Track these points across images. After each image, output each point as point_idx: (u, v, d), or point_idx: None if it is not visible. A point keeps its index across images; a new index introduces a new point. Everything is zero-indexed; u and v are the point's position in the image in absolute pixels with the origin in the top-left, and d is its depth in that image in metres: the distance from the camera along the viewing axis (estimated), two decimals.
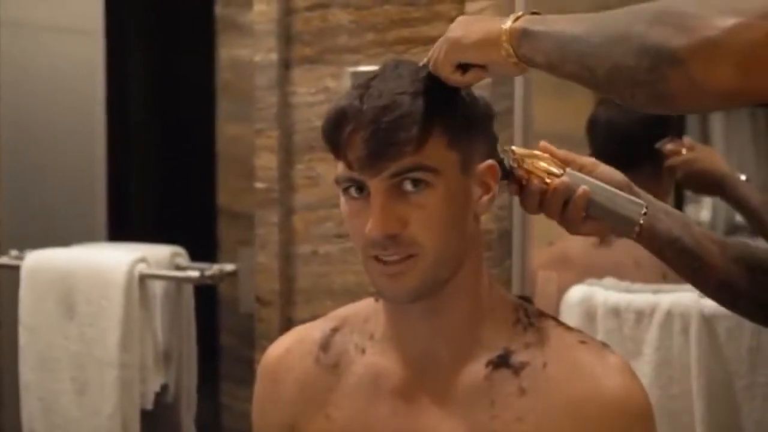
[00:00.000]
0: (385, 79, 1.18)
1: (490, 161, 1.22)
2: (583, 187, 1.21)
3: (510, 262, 2.05)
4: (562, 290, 2.07)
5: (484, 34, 1.15)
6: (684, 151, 2.06)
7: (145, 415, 2.30)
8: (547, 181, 1.23)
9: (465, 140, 1.19)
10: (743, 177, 1.97)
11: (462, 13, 2.04)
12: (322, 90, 2.20)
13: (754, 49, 0.90)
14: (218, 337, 2.52)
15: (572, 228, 1.23)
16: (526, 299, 1.40)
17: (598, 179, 1.24)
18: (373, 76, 1.20)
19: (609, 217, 1.22)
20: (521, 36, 1.12)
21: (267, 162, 2.22)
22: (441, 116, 1.17)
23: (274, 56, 2.22)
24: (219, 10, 2.57)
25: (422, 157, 1.15)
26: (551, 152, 1.27)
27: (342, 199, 1.21)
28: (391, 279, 1.18)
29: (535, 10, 1.15)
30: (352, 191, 1.18)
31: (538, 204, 1.24)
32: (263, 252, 2.22)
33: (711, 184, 1.99)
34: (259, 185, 2.23)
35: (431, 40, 1.86)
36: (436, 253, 1.17)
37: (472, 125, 1.22)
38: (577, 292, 2.02)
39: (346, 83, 2.15)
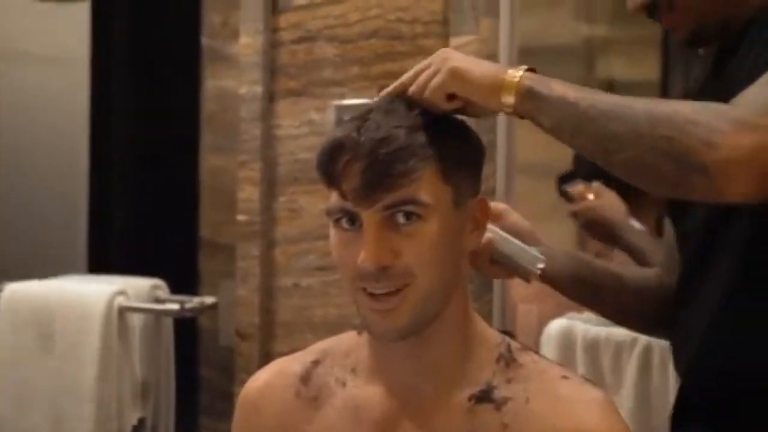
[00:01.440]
0: (383, 112, 1.18)
1: (481, 198, 1.24)
2: (488, 236, 1.34)
3: (491, 296, 2.04)
4: (542, 323, 2.07)
5: (490, 78, 1.19)
6: (590, 196, 2.10)
7: None
8: None
9: (459, 175, 1.20)
10: (637, 225, 2.06)
11: (446, 47, 2.03)
12: (306, 123, 2.20)
13: None
14: (198, 370, 2.49)
15: (480, 271, 1.39)
16: (509, 334, 1.41)
17: (507, 227, 1.42)
18: (369, 109, 1.19)
19: (510, 265, 1.40)
20: (526, 94, 1.18)
21: (249, 194, 2.21)
22: (437, 151, 1.17)
23: (258, 89, 2.21)
24: (205, 40, 2.56)
25: (417, 190, 1.15)
26: None
27: (332, 231, 1.20)
28: (381, 315, 1.17)
29: (531, 66, 1.21)
30: (344, 222, 1.18)
31: None
32: (244, 285, 2.20)
33: (604, 233, 2.14)
34: (241, 218, 2.22)
35: None
36: (428, 285, 1.16)
37: (466, 160, 1.23)
38: (556, 326, 2.02)
39: (331, 116, 2.14)
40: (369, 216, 1.15)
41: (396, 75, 2.27)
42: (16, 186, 2.76)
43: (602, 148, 1.16)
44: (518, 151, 2.08)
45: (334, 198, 1.18)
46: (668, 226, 1.55)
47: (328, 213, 1.19)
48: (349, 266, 1.17)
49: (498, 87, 1.19)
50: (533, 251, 1.42)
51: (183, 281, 2.45)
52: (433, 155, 1.16)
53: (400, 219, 1.15)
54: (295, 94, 2.21)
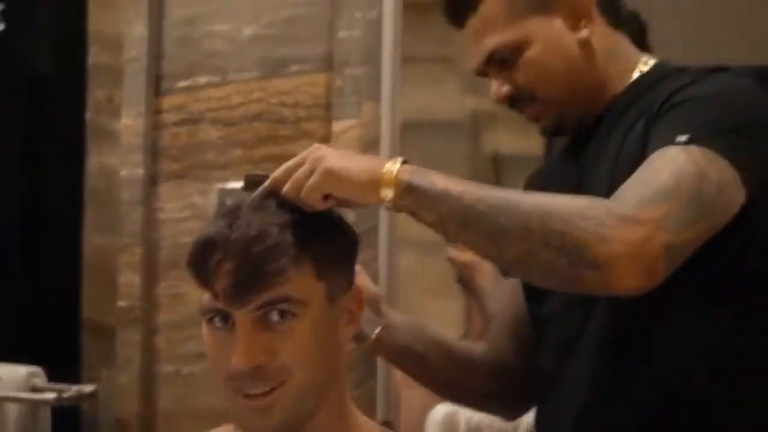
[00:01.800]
0: (254, 208, 1.17)
1: (356, 290, 1.25)
2: None
3: (374, 382, 2.03)
4: (425, 409, 2.08)
5: (367, 175, 1.19)
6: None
7: None
8: None
9: (332, 270, 1.20)
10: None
11: (329, 131, 2.04)
12: (188, 206, 2.17)
13: (655, 262, 1.13)
14: None
15: None
16: (389, 425, 1.41)
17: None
18: (239, 206, 1.18)
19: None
20: (406, 189, 1.19)
21: (130, 279, 2.17)
22: (310, 247, 1.16)
23: (140, 171, 2.18)
24: (90, 116, 2.52)
25: (290, 288, 1.14)
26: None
27: (204, 329, 1.18)
28: (256, 414, 1.16)
29: (405, 159, 1.22)
30: (216, 321, 1.16)
31: None
32: (125, 372, 2.16)
33: (471, 293, 2.25)
34: (121, 303, 2.18)
35: None
36: (304, 382, 1.15)
37: (340, 255, 1.23)
38: (440, 412, 2.05)
39: (213, 199, 2.12)
40: (242, 316, 1.14)
41: (279, 158, 2.27)
42: None
43: (492, 243, 1.17)
44: (404, 227, 2.08)
45: (206, 297, 1.16)
46: (504, 306, 1.58)
47: (201, 312, 1.18)
48: (223, 366, 1.16)
49: (376, 183, 1.19)
50: (372, 316, 1.45)
51: (64, 365, 2.39)
52: (305, 252, 1.16)
53: (274, 317, 1.14)
54: (178, 177, 2.19)
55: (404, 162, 1.21)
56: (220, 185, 2.13)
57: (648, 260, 1.13)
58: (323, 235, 1.20)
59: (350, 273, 1.26)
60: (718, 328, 1.29)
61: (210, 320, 1.17)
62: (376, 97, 2.04)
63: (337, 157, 1.20)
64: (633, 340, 1.33)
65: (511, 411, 1.63)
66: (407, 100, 2.12)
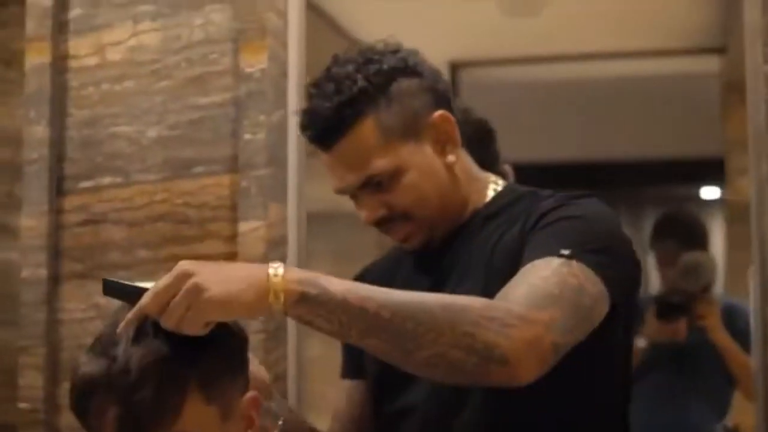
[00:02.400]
0: (131, 342, 1.13)
1: (250, 394, 1.22)
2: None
3: None
4: None
5: (252, 294, 1.15)
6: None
7: None
8: None
9: (223, 388, 1.17)
10: None
11: (235, 231, 2.07)
12: (92, 306, 2.17)
13: (545, 356, 1.24)
14: None
15: None
16: None
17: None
18: (115, 341, 1.13)
19: None
20: (298, 300, 1.17)
21: (32, 381, 2.15)
22: (196, 375, 1.14)
23: (42, 272, 2.17)
24: None
25: (181, 424, 1.12)
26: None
27: None
28: None
29: (282, 264, 1.19)
30: None
31: None
32: None
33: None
34: (22, 405, 2.15)
35: (204, 258, 1.88)
36: None
37: (229, 365, 1.20)
38: None
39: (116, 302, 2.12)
40: None
41: (185, 257, 2.29)
42: None
43: (398, 348, 1.20)
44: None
45: None
46: (354, 394, 1.62)
47: None
48: None
49: (263, 299, 1.15)
50: (273, 406, 1.45)
51: None
52: (191, 382, 1.13)
53: None
54: (80, 277, 2.18)
55: (283, 268, 1.19)
56: (106, 277, 2.12)
57: (541, 354, 1.24)
58: (209, 355, 1.16)
59: (243, 377, 1.23)
60: (574, 410, 1.45)
61: None
62: (281, 197, 2.08)
63: (214, 282, 1.13)
64: (512, 421, 1.42)
65: None
66: (313, 192, 2.16)
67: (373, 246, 3.57)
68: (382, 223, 1.51)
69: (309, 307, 1.18)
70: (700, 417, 3.08)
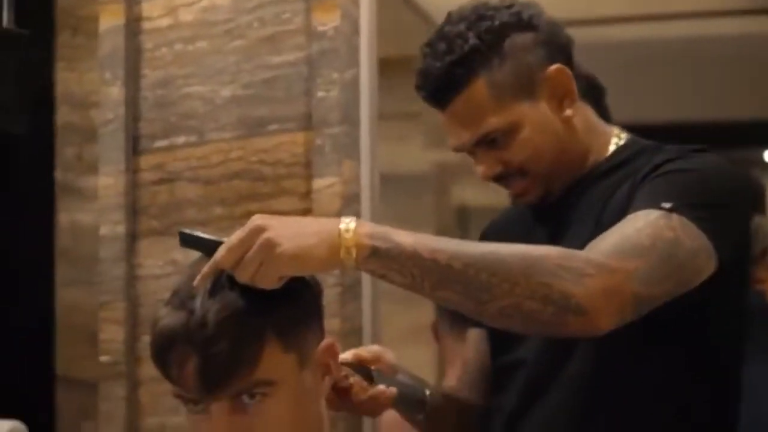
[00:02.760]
0: (207, 295, 1.14)
1: (326, 341, 1.23)
2: (391, 391, 1.40)
3: None
4: None
5: (324, 249, 1.16)
6: None
7: None
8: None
9: (299, 338, 1.19)
10: None
11: (309, 188, 2.10)
12: (170, 262, 2.21)
13: (624, 307, 1.24)
14: None
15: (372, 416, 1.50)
16: None
17: (386, 366, 1.44)
18: (193, 294, 1.14)
19: (404, 407, 1.48)
20: (370, 255, 1.18)
21: (112, 335, 2.20)
22: (273, 325, 1.15)
23: (120, 229, 2.22)
24: (59, 174, 2.56)
25: (259, 373, 1.14)
26: (362, 358, 1.42)
27: (184, 409, 1.19)
28: None
29: (358, 219, 1.20)
30: (191, 406, 1.17)
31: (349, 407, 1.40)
32: (108, 426, 2.18)
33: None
34: (103, 358, 2.20)
35: (280, 214, 1.91)
36: None
37: (305, 316, 1.21)
38: None
39: (195, 254, 2.16)
40: (215, 406, 1.14)
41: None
42: None
43: (472, 299, 1.21)
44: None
45: (178, 388, 1.16)
46: (472, 354, 1.64)
47: (173, 396, 1.18)
48: None
49: (335, 254, 1.16)
50: (420, 389, 1.49)
51: (39, 421, 2.39)
52: (269, 332, 1.14)
53: (246, 400, 1.14)
54: (158, 234, 2.23)
55: (355, 222, 1.19)
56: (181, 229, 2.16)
57: (620, 304, 1.24)
58: (284, 305, 1.17)
59: (319, 326, 1.24)
60: (683, 368, 1.43)
61: (185, 404, 1.18)
62: (354, 155, 2.11)
63: (286, 238, 1.14)
64: (612, 379, 1.42)
65: None
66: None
67: (432, 210, 3.60)
68: (498, 179, 1.51)
69: (380, 261, 1.18)
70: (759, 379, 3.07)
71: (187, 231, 1.24)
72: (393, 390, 1.40)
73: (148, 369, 2.20)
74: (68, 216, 2.51)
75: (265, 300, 1.15)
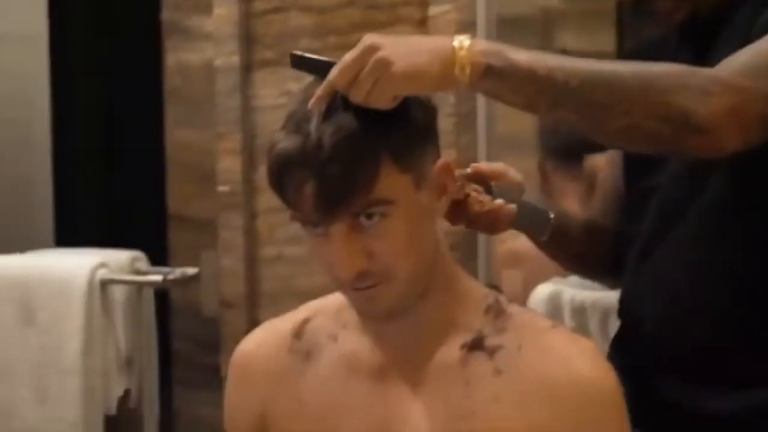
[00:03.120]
0: (322, 118, 1.12)
1: (442, 161, 1.21)
2: (511, 208, 1.36)
3: (475, 264, 2.09)
4: (527, 289, 2.10)
5: (437, 67, 1.12)
6: None
7: (108, 421, 2.27)
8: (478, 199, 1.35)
9: (415, 157, 1.17)
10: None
11: (425, 16, 2.07)
12: (284, 93, 2.21)
13: (749, 127, 1.19)
14: (172, 343, 2.49)
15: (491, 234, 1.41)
16: (496, 288, 1.44)
17: (509, 183, 1.39)
18: (308, 117, 1.12)
19: (527, 227, 1.45)
20: (484, 73, 1.13)
21: (230, 165, 2.22)
22: (388, 145, 1.13)
23: (235, 59, 2.22)
24: (166, 14, 2.55)
25: (376, 193, 1.12)
26: (481, 172, 1.37)
27: (304, 231, 1.19)
28: (368, 300, 1.18)
29: (474, 39, 1.14)
30: (310, 228, 1.16)
31: (465, 220, 1.35)
32: (227, 255, 2.22)
33: None
34: (222, 188, 2.23)
35: None
36: (408, 273, 1.17)
37: (419, 138, 1.19)
38: (543, 291, 2.04)
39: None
40: (333, 228, 1.14)
41: None
42: None
43: (589, 118, 1.17)
44: (499, 120, 2.12)
45: (296, 212, 1.16)
46: (609, 179, 1.60)
47: (293, 219, 1.17)
48: (327, 268, 1.17)
49: (448, 71, 1.12)
50: (543, 208, 1.46)
51: (152, 255, 2.45)
52: (384, 152, 1.13)
53: (365, 221, 1.14)
54: (272, 65, 2.22)
55: (469, 39, 1.14)
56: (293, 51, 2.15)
57: (744, 124, 1.18)
58: (399, 125, 1.15)
59: (434, 147, 1.22)
60: None
61: (304, 226, 1.17)
62: None
63: (400, 56, 1.11)
64: (746, 206, 1.37)
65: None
66: None
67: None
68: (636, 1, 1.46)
69: (495, 79, 1.14)
70: None
71: (299, 53, 1.22)
72: (512, 207, 1.37)
73: (266, 199, 2.22)
74: (176, 56, 2.51)
75: (380, 121, 1.13)
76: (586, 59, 1.20)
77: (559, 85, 1.14)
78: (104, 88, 2.90)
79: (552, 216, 1.45)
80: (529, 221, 1.44)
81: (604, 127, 1.18)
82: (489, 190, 1.38)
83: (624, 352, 1.45)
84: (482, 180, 1.39)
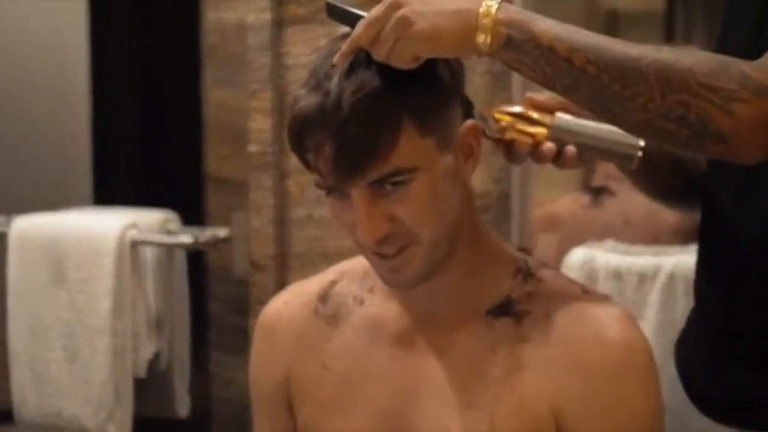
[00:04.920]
0: (343, 77, 1.10)
1: (468, 123, 1.18)
2: (570, 148, 1.24)
3: (508, 225, 2.04)
4: (561, 253, 2.07)
5: (456, 33, 1.09)
6: None
7: (138, 383, 2.27)
8: (533, 133, 1.24)
9: (438, 120, 1.14)
10: None
11: None
12: (316, 50, 2.16)
13: None
14: (206, 304, 2.48)
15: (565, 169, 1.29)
16: (526, 251, 1.38)
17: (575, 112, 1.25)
18: (329, 74, 1.10)
19: (604, 158, 1.32)
20: (504, 44, 1.09)
21: (260, 124, 2.19)
22: (410, 107, 1.10)
23: (267, 16, 2.18)
24: None
25: (398, 158, 1.10)
26: (535, 103, 1.27)
27: (326, 198, 1.17)
28: (392, 271, 1.17)
29: (505, 5, 1.10)
30: (333, 194, 1.15)
31: (528, 158, 1.27)
32: (257, 217, 2.19)
33: None
34: (252, 148, 2.20)
35: None
36: (433, 237, 1.15)
37: (442, 99, 1.16)
38: (578, 255, 2.02)
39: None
40: (355, 192, 1.12)
41: None
42: (16, 120, 2.73)
43: (603, 108, 1.11)
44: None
45: (317, 175, 1.14)
46: None
47: (316, 185, 1.16)
48: (351, 233, 1.16)
49: (469, 40, 1.09)
50: (627, 136, 1.27)
51: (187, 215, 2.44)
52: (406, 115, 1.10)
53: (388, 186, 1.11)
54: (304, 22, 2.18)
55: (498, 5, 1.09)
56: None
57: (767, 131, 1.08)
58: (422, 85, 1.12)
59: (459, 109, 1.18)
60: None
61: (327, 193, 1.16)
62: None
63: (422, 16, 1.08)
64: None
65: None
66: None
67: (580, 12, 3.47)
68: None
69: (513, 53, 1.09)
70: None
71: (333, 2, 1.18)
72: (570, 148, 1.25)
73: (296, 159, 2.17)
74: (215, 14, 2.48)
75: (404, 80, 1.10)
76: (617, 41, 1.11)
77: (576, 71, 1.08)
78: (142, 48, 2.88)
79: (642, 145, 1.30)
80: (613, 152, 1.30)
81: (617, 119, 1.12)
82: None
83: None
84: (544, 111, 1.28)
